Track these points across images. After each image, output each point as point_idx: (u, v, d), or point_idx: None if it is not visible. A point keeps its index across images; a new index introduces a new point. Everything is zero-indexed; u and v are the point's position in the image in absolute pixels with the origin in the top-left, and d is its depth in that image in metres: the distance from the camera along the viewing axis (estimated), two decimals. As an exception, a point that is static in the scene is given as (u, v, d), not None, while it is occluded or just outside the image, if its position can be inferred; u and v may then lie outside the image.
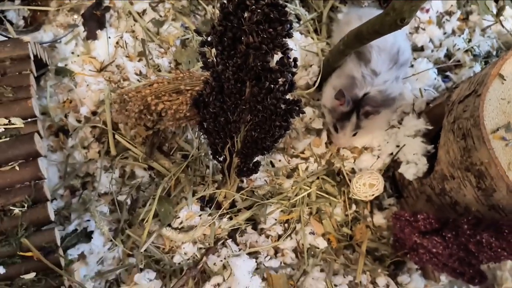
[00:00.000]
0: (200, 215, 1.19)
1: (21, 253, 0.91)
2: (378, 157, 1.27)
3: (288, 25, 0.75)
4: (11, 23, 1.30)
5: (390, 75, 1.17)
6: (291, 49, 0.80)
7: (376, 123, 1.21)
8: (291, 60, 0.81)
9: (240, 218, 1.19)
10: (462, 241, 0.96)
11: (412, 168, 1.17)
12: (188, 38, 1.36)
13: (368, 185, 1.20)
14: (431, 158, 1.16)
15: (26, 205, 0.91)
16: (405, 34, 1.29)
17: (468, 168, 0.96)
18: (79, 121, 1.24)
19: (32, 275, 0.91)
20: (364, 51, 1.16)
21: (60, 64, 1.27)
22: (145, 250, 1.14)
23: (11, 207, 0.90)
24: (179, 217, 1.18)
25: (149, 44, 1.34)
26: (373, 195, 1.20)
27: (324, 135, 1.31)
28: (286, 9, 0.75)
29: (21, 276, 0.91)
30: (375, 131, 1.26)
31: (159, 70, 1.31)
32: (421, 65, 1.37)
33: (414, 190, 1.20)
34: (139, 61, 1.33)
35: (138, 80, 1.29)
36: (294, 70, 0.83)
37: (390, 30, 0.91)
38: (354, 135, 1.21)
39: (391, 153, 1.25)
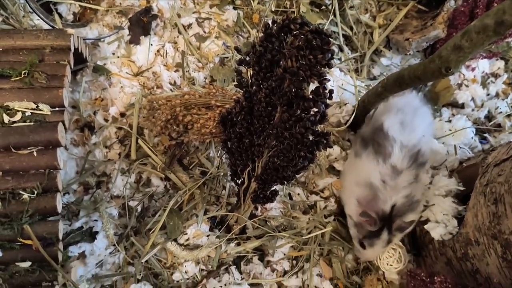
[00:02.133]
0: (208, 236, 1.16)
1: (21, 240, 0.89)
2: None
3: (329, 55, 0.73)
4: (60, 16, 1.34)
5: (411, 174, 1.08)
6: (328, 80, 0.78)
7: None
8: (326, 91, 0.79)
9: (248, 246, 1.15)
10: (478, 313, 0.90)
11: (441, 229, 1.11)
12: (227, 57, 1.37)
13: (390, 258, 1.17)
14: (459, 220, 1.11)
15: (36, 192, 0.90)
16: (430, 141, 1.21)
17: (496, 235, 0.91)
18: (106, 120, 1.25)
19: (27, 264, 0.90)
20: (385, 144, 1.09)
21: (99, 62, 1.29)
22: (146, 261, 1.11)
23: (21, 192, 0.90)
24: (186, 234, 1.14)
25: (188, 57, 1.35)
26: (390, 265, 1.16)
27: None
28: (330, 38, 0.73)
29: (17, 263, 0.90)
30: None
31: (193, 84, 1.32)
32: (459, 122, 1.33)
33: (434, 250, 1.14)
34: (175, 71, 1.34)
35: (171, 90, 1.30)
36: (328, 101, 0.81)
37: (432, 78, 0.88)
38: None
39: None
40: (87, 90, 1.27)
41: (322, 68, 0.75)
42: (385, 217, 1.05)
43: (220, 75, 1.32)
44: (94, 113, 1.25)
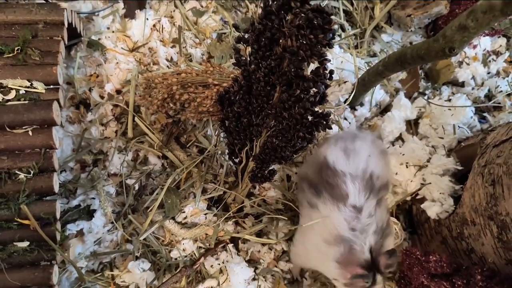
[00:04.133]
0: (205, 214, 1.16)
1: (18, 220, 0.90)
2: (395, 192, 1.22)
3: (330, 35, 0.71)
4: (53, -11, 1.30)
5: (371, 205, 0.96)
6: (329, 60, 0.76)
7: None
8: (327, 71, 0.78)
9: (249, 231, 1.15)
10: (472, 292, 0.91)
11: (437, 207, 1.12)
12: (225, 33, 1.35)
13: None
14: (455, 199, 1.11)
15: (32, 172, 0.90)
16: (380, 161, 1.06)
17: (492, 216, 0.91)
18: (102, 97, 1.23)
19: (25, 244, 0.90)
20: (337, 182, 0.96)
21: (93, 37, 1.27)
22: (144, 239, 1.12)
23: (17, 171, 0.89)
24: (184, 212, 1.15)
25: (185, 32, 1.33)
26: None
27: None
28: (331, 17, 0.71)
29: (14, 243, 0.90)
30: None
31: (190, 60, 1.30)
32: (459, 101, 1.32)
33: (430, 229, 1.15)
34: (172, 47, 1.31)
35: (168, 66, 1.28)
36: (328, 82, 0.79)
37: (436, 58, 0.87)
38: None
39: (414, 192, 1.19)
40: (81, 66, 1.25)
41: (323, 48, 0.74)
42: (369, 265, 0.92)
43: (218, 51, 1.29)
44: (90, 89, 1.23)
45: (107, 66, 1.24)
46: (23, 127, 0.90)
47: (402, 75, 1.37)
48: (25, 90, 0.92)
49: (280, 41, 0.76)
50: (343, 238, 0.93)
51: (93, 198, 1.14)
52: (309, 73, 0.79)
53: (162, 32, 1.32)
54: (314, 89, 0.80)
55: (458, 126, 1.27)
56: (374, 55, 1.43)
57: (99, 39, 1.27)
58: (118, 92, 1.24)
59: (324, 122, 0.85)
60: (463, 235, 1.02)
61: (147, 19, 1.31)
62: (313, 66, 0.78)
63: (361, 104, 1.34)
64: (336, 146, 1.01)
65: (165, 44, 1.31)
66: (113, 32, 1.29)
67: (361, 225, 0.94)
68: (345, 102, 1.29)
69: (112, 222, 1.13)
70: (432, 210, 1.13)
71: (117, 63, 1.25)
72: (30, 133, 0.90)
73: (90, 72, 1.25)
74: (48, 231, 0.91)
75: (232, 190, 1.15)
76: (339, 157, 0.99)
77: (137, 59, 1.28)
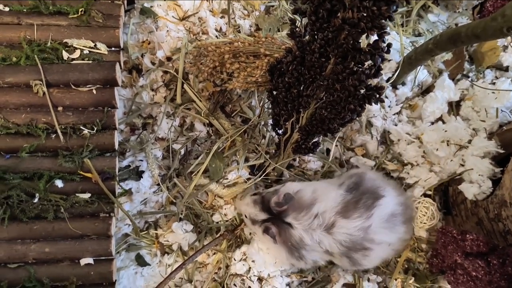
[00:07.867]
0: (247, 180, 1.19)
1: (81, 173, 0.94)
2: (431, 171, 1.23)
3: (394, 7, 0.72)
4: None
5: (333, 249, 1.01)
6: (388, 33, 0.77)
7: (270, 247, 1.09)
8: (385, 44, 0.79)
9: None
10: (508, 271, 0.93)
11: (475, 188, 1.12)
12: (273, 6, 1.35)
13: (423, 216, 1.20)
14: (493, 181, 1.12)
15: (95, 129, 0.94)
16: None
17: (532, 199, 0.92)
18: (153, 63, 1.26)
19: (87, 195, 0.95)
20: (360, 210, 1.02)
21: (146, 5, 1.29)
22: (187, 202, 1.16)
23: (81, 127, 0.93)
24: (227, 178, 1.19)
25: (234, 3, 1.34)
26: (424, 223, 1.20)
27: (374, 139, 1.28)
28: (397, -11, 0.72)
29: (77, 194, 0.95)
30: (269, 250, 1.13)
31: (239, 31, 1.31)
32: (503, 85, 1.31)
33: (466, 210, 1.16)
34: (221, 17, 1.33)
35: (216, 36, 1.30)
36: (385, 55, 0.80)
37: (492, 37, 0.87)
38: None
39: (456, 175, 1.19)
40: (134, 32, 1.28)
41: (384, 21, 0.75)
42: (279, 218, 1.00)
43: (266, 23, 1.31)
44: (142, 55, 1.26)
45: (159, 33, 1.27)
46: (87, 86, 0.95)
47: (447, 56, 1.36)
48: (89, 50, 0.96)
49: (339, 13, 0.78)
50: (315, 203, 1.00)
51: (141, 160, 1.19)
52: (365, 46, 0.80)
53: (212, 2, 1.33)
54: (369, 62, 0.81)
55: (501, 110, 1.27)
56: (419, 34, 1.42)
57: (151, 6, 1.29)
58: (169, 59, 1.27)
59: (377, 95, 0.86)
60: (500, 216, 1.03)
61: (197, -11, 1.33)
62: (366, 39, 0.79)
63: (403, 83, 1.34)
64: (395, 206, 1.06)
65: (215, 14, 1.33)
66: (164, 0, 1.32)
67: (318, 223, 0.99)
68: (387, 80, 1.29)
69: (158, 184, 1.17)
70: (470, 191, 1.13)
71: (167, 31, 1.28)
72: (94, 91, 0.94)
73: (142, 38, 1.28)
74: (108, 185, 0.96)
75: (273, 160, 1.18)
76: (383, 224, 1.03)
77: (187, 28, 1.30)
